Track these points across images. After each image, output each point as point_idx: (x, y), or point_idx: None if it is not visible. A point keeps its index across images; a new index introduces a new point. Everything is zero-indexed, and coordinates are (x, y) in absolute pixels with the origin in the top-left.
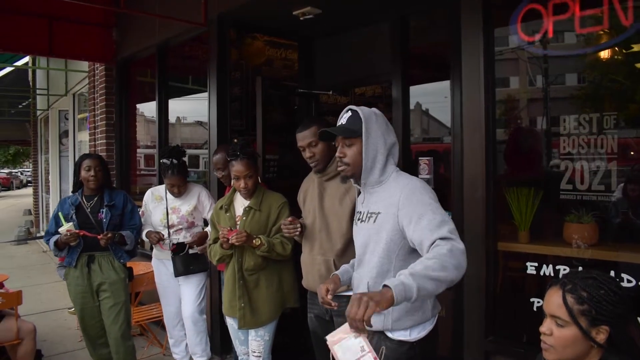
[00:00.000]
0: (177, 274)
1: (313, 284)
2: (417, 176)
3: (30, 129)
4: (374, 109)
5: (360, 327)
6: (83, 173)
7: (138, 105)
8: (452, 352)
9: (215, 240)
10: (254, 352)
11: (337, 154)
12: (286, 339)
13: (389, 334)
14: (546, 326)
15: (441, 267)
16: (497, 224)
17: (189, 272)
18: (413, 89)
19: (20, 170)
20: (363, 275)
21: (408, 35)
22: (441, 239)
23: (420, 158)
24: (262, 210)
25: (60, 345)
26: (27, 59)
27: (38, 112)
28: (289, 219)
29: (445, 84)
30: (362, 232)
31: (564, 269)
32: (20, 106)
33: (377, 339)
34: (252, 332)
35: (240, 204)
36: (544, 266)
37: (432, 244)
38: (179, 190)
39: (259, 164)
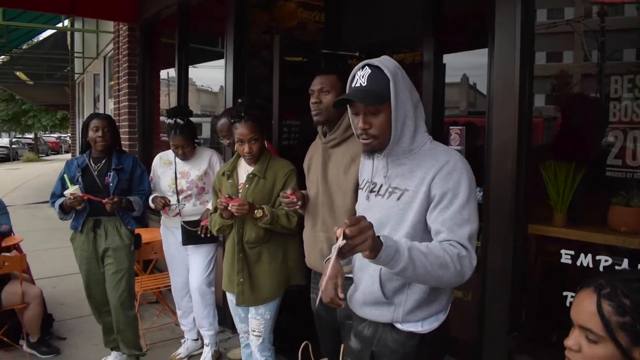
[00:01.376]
0: (185, 242)
1: (315, 263)
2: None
3: (69, 93)
4: (393, 61)
5: (349, 254)
6: (91, 134)
7: (163, 69)
8: (474, 341)
9: (216, 209)
10: (254, 331)
11: (359, 125)
12: (291, 319)
13: (398, 325)
14: (573, 340)
15: (442, 263)
16: (530, 203)
17: (198, 242)
18: (449, 58)
19: (69, 134)
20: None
21: None
22: (455, 242)
23: (451, 127)
24: (267, 178)
25: (76, 309)
26: (66, 22)
27: (75, 76)
28: (288, 191)
29: (484, 53)
30: (378, 209)
31: (606, 260)
32: (63, 71)
33: (381, 330)
34: (252, 310)
35: (244, 170)
36: (582, 255)
37: (446, 241)
38: (184, 152)
39: (273, 129)
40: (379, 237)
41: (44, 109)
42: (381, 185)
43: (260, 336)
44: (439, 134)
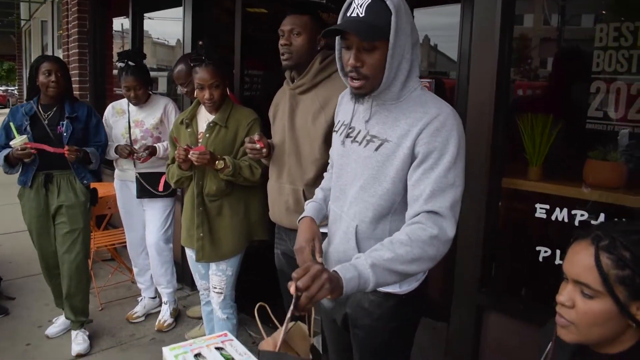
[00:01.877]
0: (140, 195)
1: (280, 217)
2: None
3: (15, 42)
4: None
5: (309, 306)
6: (41, 78)
7: (116, 17)
8: (440, 304)
9: (174, 160)
10: (215, 287)
11: (350, 62)
12: (253, 277)
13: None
14: (566, 295)
15: (413, 258)
16: (506, 157)
17: (154, 195)
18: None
19: (16, 87)
20: (349, 213)
21: None
22: (433, 213)
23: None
24: (228, 127)
25: (26, 267)
26: None
27: (22, 23)
28: (255, 136)
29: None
30: (354, 157)
31: (582, 215)
32: (8, 18)
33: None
34: (212, 266)
35: (204, 118)
36: (557, 210)
37: (419, 213)
38: (136, 94)
39: (235, 79)
40: (335, 271)
41: None
42: (359, 132)
43: (221, 293)
44: None
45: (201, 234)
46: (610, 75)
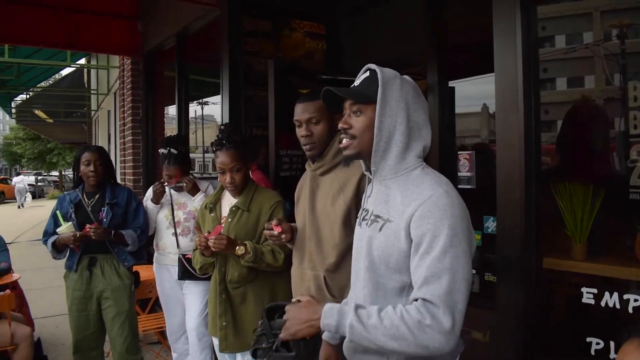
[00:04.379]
0: (181, 277)
1: None
2: (457, 174)
3: (87, 131)
4: (401, 75)
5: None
6: (82, 168)
7: (166, 103)
8: None
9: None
10: None
11: (340, 125)
12: None
13: None
14: None
15: (395, 335)
16: (545, 233)
17: (195, 277)
18: (462, 86)
19: None
20: (361, 296)
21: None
22: (426, 301)
23: (459, 152)
24: (251, 210)
25: None
26: (83, 60)
27: (92, 113)
28: (273, 222)
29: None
30: (364, 239)
31: (636, 300)
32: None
33: None
34: (238, 356)
35: (228, 202)
36: (607, 294)
37: (415, 300)
38: (177, 186)
39: (270, 158)
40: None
41: (68, 147)
42: (367, 212)
43: None
44: (449, 162)
45: (224, 323)
46: None
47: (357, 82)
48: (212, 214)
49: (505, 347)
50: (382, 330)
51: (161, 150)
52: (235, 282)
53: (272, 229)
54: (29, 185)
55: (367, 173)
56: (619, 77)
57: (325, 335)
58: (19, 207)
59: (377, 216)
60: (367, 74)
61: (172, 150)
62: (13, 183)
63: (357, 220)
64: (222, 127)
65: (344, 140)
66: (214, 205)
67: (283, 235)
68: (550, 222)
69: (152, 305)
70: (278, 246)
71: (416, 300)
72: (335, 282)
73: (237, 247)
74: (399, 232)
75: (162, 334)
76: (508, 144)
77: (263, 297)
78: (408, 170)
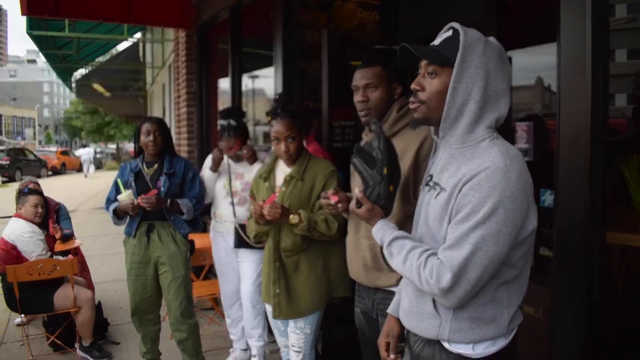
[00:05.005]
0: (237, 245)
1: (357, 274)
2: (514, 144)
3: (142, 104)
4: (486, 37)
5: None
6: (142, 138)
7: (220, 75)
8: None
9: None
10: (293, 346)
11: (412, 85)
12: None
13: (446, 344)
14: None
15: (411, 278)
16: (609, 207)
17: (250, 246)
18: (519, 56)
19: None
20: None
21: None
22: (441, 262)
23: (517, 123)
24: (305, 180)
25: None
26: (139, 34)
27: (147, 86)
28: (330, 191)
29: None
30: (425, 207)
31: None
32: (138, 83)
33: (428, 349)
34: (291, 323)
35: (282, 172)
36: None
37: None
38: (237, 155)
39: (323, 129)
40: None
41: (124, 120)
42: (430, 177)
43: (300, 352)
44: (504, 134)
45: (277, 291)
46: None
47: (437, 41)
48: (266, 183)
49: (565, 324)
50: (401, 268)
51: (220, 122)
52: (289, 251)
53: (329, 198)
54: None
55: (434, 137)
56: None
57: (391, 309)
58: (85, 176)
59: (436, 183)
60: (450, 33)
61: (232, 122)
62: (79, 154)
63: (422, 183)
64: (277, 96)
65: (413, 104)
66: (268, 174)
67: (339, 205)
68: (615, 195)
69: (206, 272)
70: (332, 215)
71: (437, 257)
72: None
73: (291, 216)
74: (450, 202)
75: (216, 300)
76: (574, 113)
77: (316, 266)
78: (476, 142)
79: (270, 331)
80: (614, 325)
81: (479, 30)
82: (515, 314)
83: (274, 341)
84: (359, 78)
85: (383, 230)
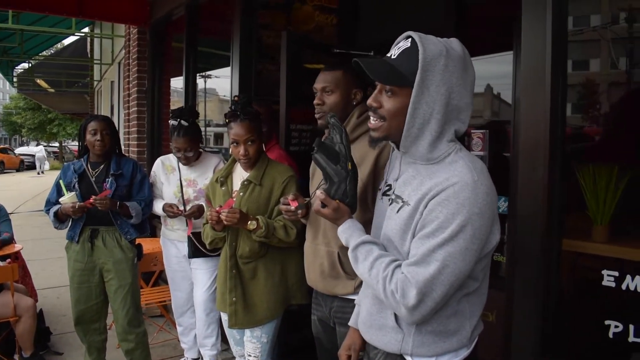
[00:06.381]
0: (192, 255)
1: (315, 281)
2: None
3: (89, 101)
4: (448, 45)
5: None
6: (88, 137)
7: (173, 75)
8: None
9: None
10: (250, 355)
11: (369, 101)
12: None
13: (408, 359)
14: None
15: (373, 287)
16: (566, 215)
17: (205, 255)
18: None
19: None
20: None
21: None
22: (406, 277)
23: (473, 131)
24: (263, 185)
25: None
26: (87, 29)
27: (95, 84)
28: (289, 197)
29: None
30: (385, 218)
31: None
32: (85, 79)
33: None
34: (247, 332)
35: (239, 176)
36: (628, 277)
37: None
38: (186, 157)
39: (280, 132)
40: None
41: (68, 117)
42: (389, 187)
43: None
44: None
45: (234, 299)
46: None
47: (394, 52)
48: (223, 188)
49: (527, 331)
50: (366, 276)
51: (171, 122)
52: (246, 257)
53: (289, 204)
54: (29, 155)
55: (392, 144)
56: (625, 61)
57: (352, 322)
58: (38, 173)
59: (398, 196)
60: (408, 43)
61: (183, 122)
62: (32, 152)
63: (378, 193)
64: (235, 98)
65: (372, 120)
66: (225, 178)
67: (299, 211)
68: (569, 203)
69: (156, 278)
70: (290, 221)
71: (401, 272)
72: (349, 259)
73: (249, 222)
74: (414, 217)
75: (166, 307)
76: (533, 122)
77: (274, 273)
78: (440, 159)
79: (224, 340)
80: (569, 328)
81: (439, 36)
82: (477, 324)
83: (228, 349)
84: (318, 81)
85: (350, 231)
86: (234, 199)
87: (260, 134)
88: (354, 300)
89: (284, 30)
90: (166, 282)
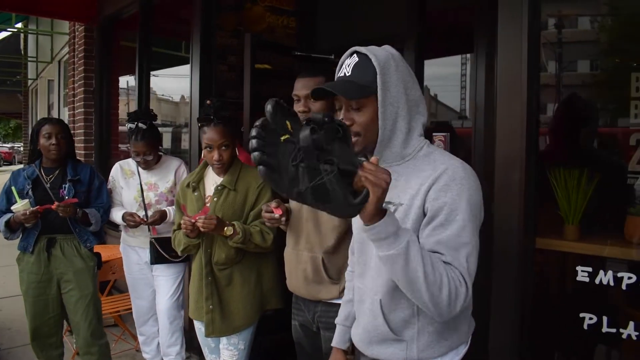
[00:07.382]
0: (154, 262)
1: (297, 287)
2: None
3: (22, 101)
4: (390, 50)
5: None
6: (42, 141)
7: (122, 74)
8: None
9: (180, 226)
10: None
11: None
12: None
13: None
14: None
15: (439, 283)
16: (538, 215)
17: (168, 262)
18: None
19: (22, 144)
20: (370, 287)
21: None
22: (458, 270)
23: (434, 134)
24: (237, 190)
25: (26, 335)
26: (20, 24)
27: (29, 82)
28: (272, 204)
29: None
30: None
31: (629, 278)
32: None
33: None
34: (223, 340)
35: (212, 181)
36: (601, 272)
37: (449, 264)
38: (145, 161)
39: (244, 136)
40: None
41: None
42: None
43: None
44: None
45: (211, 307)
46: None
47: (346, 70)
48: (195, 193)
49: (503, 324)
50: (429, 268)
51: (128, 125)
52: (222, 264)
53: (272, 212)
54: None
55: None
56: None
57: (335, 342)
58: None
59: (388, 202)
60: (356, 58)
61: (141, 124)
62: None
63: None
64: (208, 102)
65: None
66: (197, 183)
67: (283, 218)
68: (542, 204)
69: (111, 286)
70: (266, 227)
71: (445, 262)
72: (333, 264)
73: (226, 228)
74: (411, 211)
75: (121, 317)
76: (510, 128)
77: (249, 279)
78: (415, 153)
79: (187, 348)
80: (546, 324)
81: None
82: (471, 320)
83: (191, 356)
84: (301, 87)
85: (396, 220)
86: (209, 205)
87: (235, 139)
88: (338, 304)
89: (248, 33)
90: (120, 291)
